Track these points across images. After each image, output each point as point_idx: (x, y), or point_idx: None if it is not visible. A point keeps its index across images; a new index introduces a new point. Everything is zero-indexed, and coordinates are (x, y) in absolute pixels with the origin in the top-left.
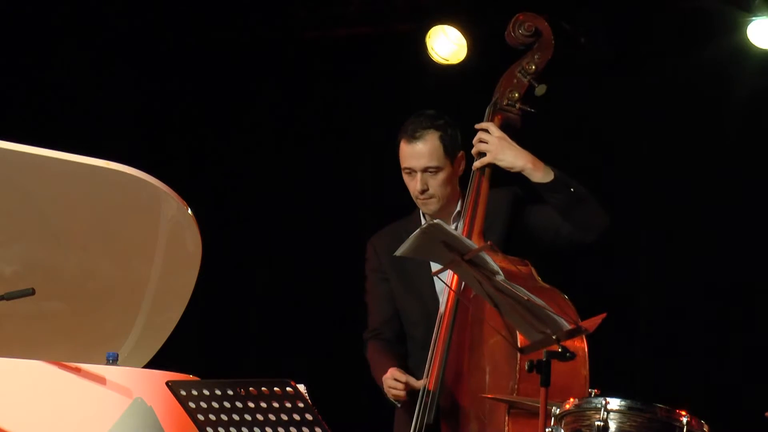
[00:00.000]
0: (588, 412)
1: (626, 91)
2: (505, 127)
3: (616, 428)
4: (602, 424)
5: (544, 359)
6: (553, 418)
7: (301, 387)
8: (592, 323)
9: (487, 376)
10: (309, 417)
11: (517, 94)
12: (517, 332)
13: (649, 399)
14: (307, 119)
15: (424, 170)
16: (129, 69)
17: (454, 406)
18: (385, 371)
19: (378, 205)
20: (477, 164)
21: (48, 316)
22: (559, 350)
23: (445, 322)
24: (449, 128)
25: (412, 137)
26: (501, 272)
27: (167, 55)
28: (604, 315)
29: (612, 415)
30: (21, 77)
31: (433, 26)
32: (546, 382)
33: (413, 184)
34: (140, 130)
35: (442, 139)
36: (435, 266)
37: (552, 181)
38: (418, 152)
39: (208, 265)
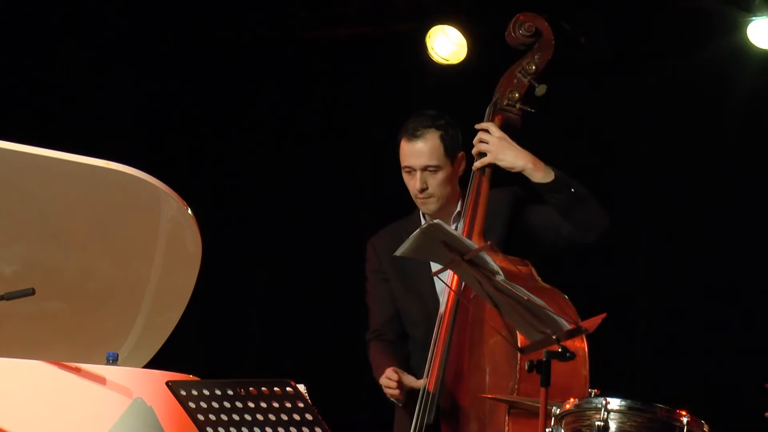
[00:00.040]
0: (588, 412)
1: (626, 91)
2: (505, 127)
3: (616, 428)
4: (602, 424)
5: (544, 359)
6: (553, 418)
7: (301, 387)
8: (592, 323)
9: (488, 376)
10: (309, 417)
11: (517, 95)
12: (517, 332)
13: (649, 399)
14: (307, 119)
15: (424, 169)
16: (129, 69)
17: (454, 407)
18: (384, 372)
19: (378, 205)
20: (477, 164)
21: (48, 316)
22: (559, 350)
23: (445, 322)
24: (450, 128)
25: (413, 136)
26: (501, 272)
27: (167, 55)
28: (604, 315)
29: (612, 415)
30: (21, 77)
31: (433, 26)
32: (546, 382)
33: (413, 183)
34: (140, 130)
35: (442, 138)
36: (435, 266)
37: (552, 182)
38: (418, 151)
39: (208, 265)
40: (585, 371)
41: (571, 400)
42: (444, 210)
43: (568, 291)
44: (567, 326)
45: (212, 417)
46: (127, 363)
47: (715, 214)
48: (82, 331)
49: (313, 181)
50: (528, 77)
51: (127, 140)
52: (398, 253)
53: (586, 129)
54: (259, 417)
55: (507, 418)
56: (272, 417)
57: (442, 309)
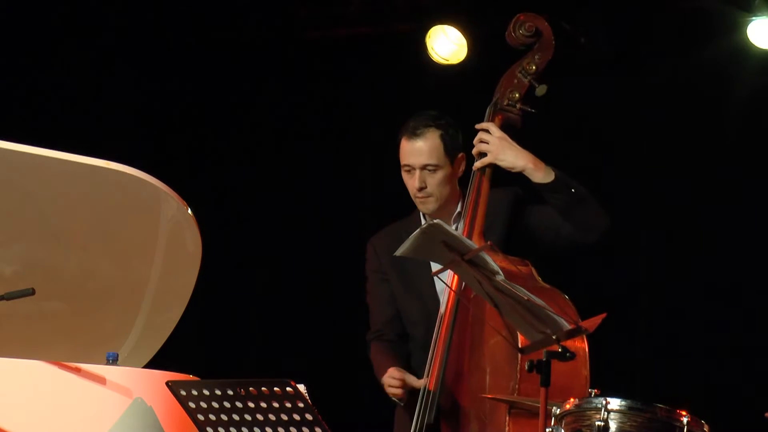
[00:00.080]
0: (588, 412)
1: (626, 91)
2: (505, 128)
3: (616, 428)
4: (602, 424)
5: (544, 359)
6: (553, 418)
7: (301, 387)
8: (592, 323)
9: (488, 376)
10: (309, 417)
11: (517, 95)
12: (518, 332)
13: (649, 399)
14: (307, 119)
15: (423, 168)
16: (129, 69)
17: (455, 406)
18: (386, 371)
19: (378, 205)
20: (478, 164)
21: (48, 316)
22: (559, 350)
23: (446, 322)
24: (451, 129)
25: (413, 134)
26: (501, 272)
27: (167, 55)
28: (604, 315)
29: (612, 415)
30: (21, 77)
31: (433, 26)
32: (546, 382)
33: (412, 182)
34: (140, 130)
35: (442, 137)
36: (435, 266)
37: (553, 182)
38: (418, 149)
39: (208, 265)
40: (585, 371)
41: (571, 400)
42: (444, 210)
43: (568, 291)
44: (567, 326)
45: (212, 417)
46: (127, 363)
47: (715, 214)
48: (82, 331)
49: (313, 181)
50: (528, 77)
51: (127, 140)
52: (398, 253)
53: (586, 129)
54: (259, 417)
55: (507, 418)
56: (272, 417)
57: (442, 309)
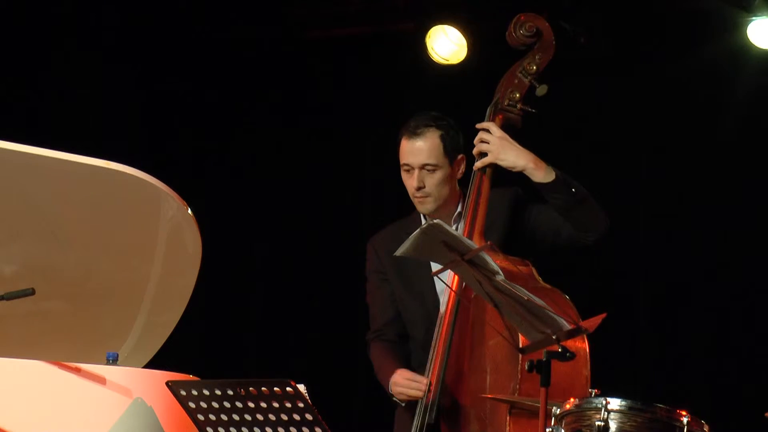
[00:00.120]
0: (588, 412)
1: (626, 91)
2: (506, 128)
3: (616, 428)
4: (603, 424)
5: (544, 359)
6: (553, 418)
7: (301, 387)
8: (592, 323)
9: (488, 377)
10: (309, 417)
11: (518, 95)
12: (518, 332)
13: (649, 399)
14: (307, 119)
15: (422, 167)
16: (129, 69)
17: (455, 407)
18: (391, 373)
19: (378, 205)
20: (478, 164)
21: (48, 316)
22: (559, 350)
23: (446, 322)
24: (451, 130)
25: (413, 134)
26: (501, 272)
27: (167, 54)
28: (604, 315)
29: (612, 415)
30: (21, 77)
31: (433, 26)
32: (546, 382)
33: (410, 182)
34: (140, 130)
35: (442, 138)
36: (435, 266)
37: (553, 181)
38: (417, 149)
39: (208, 265)
40: (586, 371)
41: (572, 400)
42: (444, 211)
43: (568, 291)
44: (567, 326)
45: (212, 417)
46: (127, 363)
47: (715, 214)
48: (82, 331)
49: (313, 181)
50: (529, 77)
51: (127, 140)
52: (398, 253)
53: (586, 129)
54: (259, 417)
55: (508, 418)
56: (272, 417)
57: (442, 309)
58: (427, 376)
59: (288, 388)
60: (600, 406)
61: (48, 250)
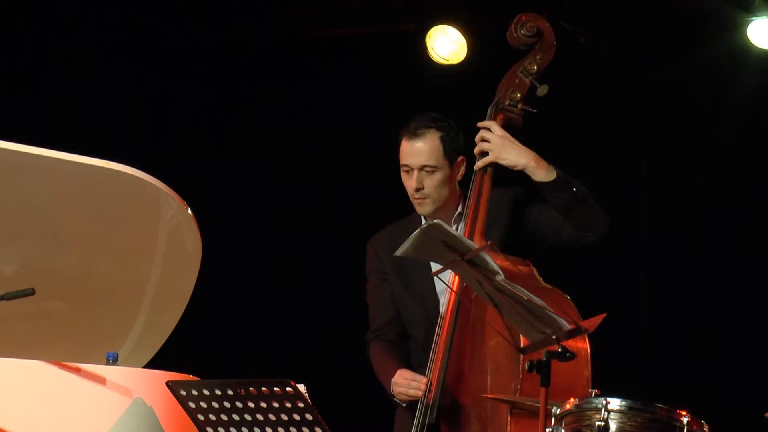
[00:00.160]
0: (588, 412)
1: (626, 91)
2: (506, 128)
3: (616, 428)
4: (603, 424)
5: (544, 359)
6: (553, 418)
7: (301, 387)
8: (592, 323)
9: (489, 377)
10: (309, 417)
11: (519, 95)
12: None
13: (649, 399)
14: (307, 119)
15: (421, 169)
16: (129, 69)
17: (456, 407)
18: (392, 373)
19: (378, 205)
20: (479, 163)
21: (48, 316)
22: (559, 350)
23: (447, 322)
24: (451, 131)
25: (413, 135)
26: (501, 272)
27: (167, 54)
28: (604, 315)
29: (612, 415)
30: (21, 77)
31: (433, 26)
32: (546, 382)
33: (410, 183)
34: (140, 130)
35: (442, 139)
36: (435, 266)
37: (554, 181)
38: (417, 150)
39: (208, 265)
40: (587, 372)
41: (572, 400)
42: (444, 211)
43: (569, 291)
44: (567, 326)
45: (212, 417)
46: (127, 363)
47: (714, 214)
48: (82, 331)
49: (313, 181)
50: (530, 77)
51: (127, 140)
52: (398, 253)
53: (586, 129)
54: (259, 417)
55: (509, 418)
56: (272, 417)
57: (443, 309)
58: (428, 376)
59: (288, 388)
60: (600, 406)
61: (48, 250)
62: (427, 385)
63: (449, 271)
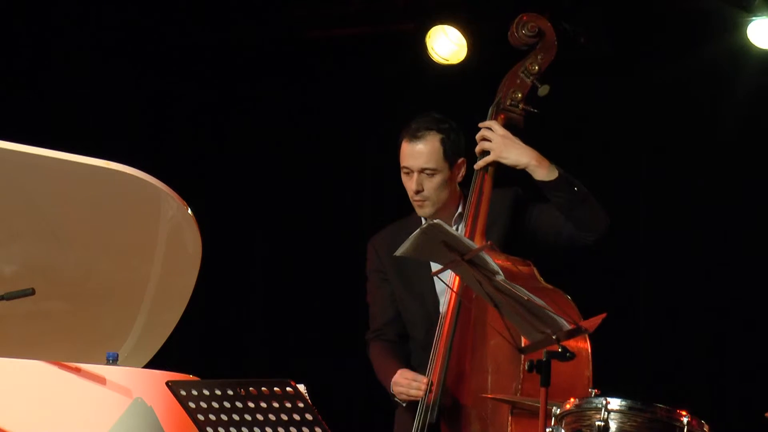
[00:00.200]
0: (588, 412)
1: (626, 91)
2: (508, 127)
3: (616, 428)
4: (603, 424)
5: (544, 359)
6: (553, 418)
7: (301, 387)
8: (592, 323)
9: (490, 377)
10: (309, 417)
11: (520, 95)
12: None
13: (649, 399)
14: (307, 119)
15: (421, 171)
16: (129, 69)
17: (456, 407)
18: (392, 373)
19: (378, 205)
20: (480, 162)
21: (48, 316)
22: (559, 350)
23: (447, 322)
24: (452, 133)
25: (414, 137)
26: (501, 272)
27: (167, 54)
28: (604, 315)
29: (612, 415)
30: (21, 77)
31: (433, 26)
32: (546, 382)
33: (410, 184)
34: (140, 130)
35: (442, 142)
36: (435, 266)
37: (556, 179)
38: (417, 152)
39: (208, 265)
40: (588, 372)
41: (572, 400)
42: (443, 212)
43: (569, 291)
44: (567, 326)
45: (212, 417)
46: (127, 363)
47: (714, 214)
48: (82, 331)
49: (313, 181)
50: (531, 77)
51: (127, 140)
52: (398, 253)
53: (586, 129)
54: (259, 417)
55: (510, 418)
56: (272, 417)
57: (443, 309)
58: (428, 376)
59: (288, 388)
60: (600, 406)
61: (48, 250)
62: (427, 384)
63: (449, 271)
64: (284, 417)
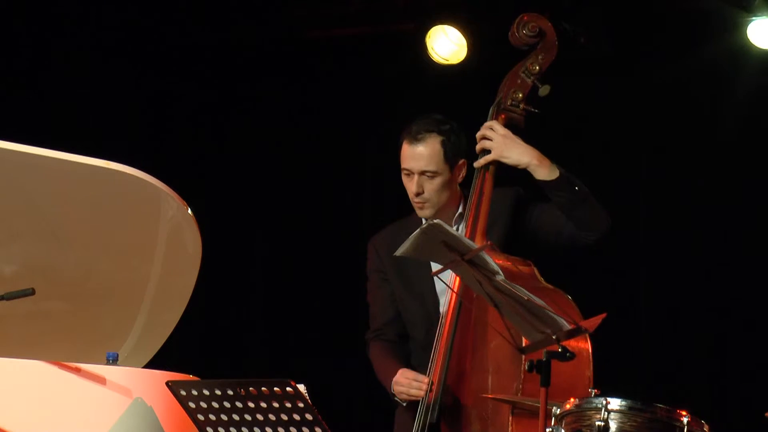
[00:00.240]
0: (588, 412)
1: (626, 91)
2: (508, 127)
3: (616, 428)
4: (603, 424)
5: (544, 359)
6: (553, 418)
7: (301, 387)
8: (592, 323)
9: (490, 377)
10: (309, 417)
11: (521, 95)
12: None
13: (649, 399)
14: (307, 119)
15: (422, 173)
16: (129, 68)
17: (457, 407)
18: (392, 373)
19: (378, 205)
20: (481, 161)
21: (48, 316)
22: (559, 350)
23: (448, 322)
24: (453, 135)
25: (414, 139)
26: (501, 272)
27: (167, 54)
28: (604, 315)
29: (612, 415)
30: (21, 77)
31: (433, 26)
32: (546, 382)
33: (410, 186)
34: (140, 130)
35: (443, 144)
36: (435, 266)
37: (557, 179)
38: (418, 154)
39: (208, 265)
40: (589, 372)
41: (572, 400)
42: (444, 213)
43: (569, 291)
44: (567, 326)
45: (212, 417)
46: (127, 363)
47: (714, 214)
48: (82, 331)
49: (314, 181)
50: (531, 77)
51: (127, 140)
52: (398, 253)
53: (586, 129)
54: (259, 417)
55: (510, 418)
56: (272, 417)
57: (444, 309)
58: (429, 376)
59: (288, 388)
60: (600, 406)
61: (48, 250)
62: (428, 384)
63: (449, 271)
64: (284, 417)
